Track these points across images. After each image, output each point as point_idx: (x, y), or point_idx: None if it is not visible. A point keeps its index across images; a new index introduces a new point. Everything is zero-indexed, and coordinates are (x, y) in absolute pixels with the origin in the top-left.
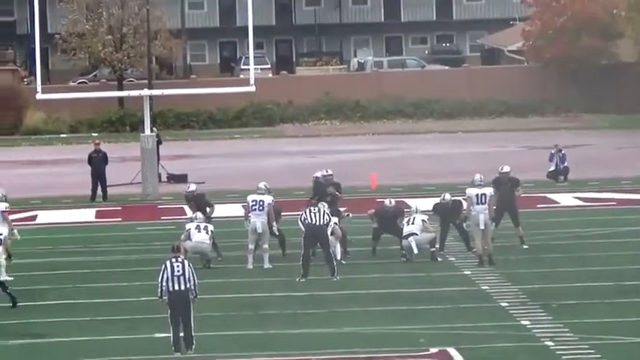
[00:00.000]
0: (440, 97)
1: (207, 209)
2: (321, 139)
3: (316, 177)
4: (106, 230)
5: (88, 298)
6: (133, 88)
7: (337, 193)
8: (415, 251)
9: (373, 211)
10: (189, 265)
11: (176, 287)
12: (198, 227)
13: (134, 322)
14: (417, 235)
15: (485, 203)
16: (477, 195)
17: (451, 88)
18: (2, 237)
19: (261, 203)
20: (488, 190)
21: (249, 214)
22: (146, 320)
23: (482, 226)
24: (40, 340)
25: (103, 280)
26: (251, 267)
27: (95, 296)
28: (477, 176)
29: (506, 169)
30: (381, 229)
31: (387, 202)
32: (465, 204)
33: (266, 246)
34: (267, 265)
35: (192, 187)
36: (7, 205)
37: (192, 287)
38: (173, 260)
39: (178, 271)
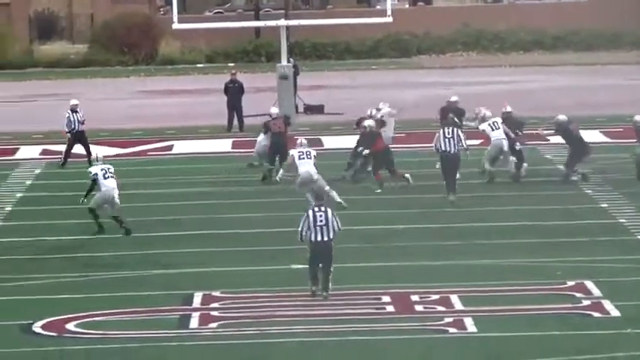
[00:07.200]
0: (576, 28)
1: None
2: (457, 70)
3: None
4: (243, 161)
5: (223, 229)
6: (270, 18)
7: (457, 120)
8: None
9: None
10: (332, 213)
11: (319, 238)
12: (301, 153)
13: (273, 253)
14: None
15: (500, 129)
16: (488, 125)
17: (587, 19)
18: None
19: (308, 153)
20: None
21: (297, 164)
22: (284, 252)
23: (505, 148)
24: (175, 271)
25: (240, 211)
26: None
27: (231, 227)
28: (488, 113)
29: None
30: None
31: None
32: None
33: (327, 188)
34: (338, 200)
35: (275, 110)
36: (108, 167)
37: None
38: (316, 209)
39: (321, 221)
